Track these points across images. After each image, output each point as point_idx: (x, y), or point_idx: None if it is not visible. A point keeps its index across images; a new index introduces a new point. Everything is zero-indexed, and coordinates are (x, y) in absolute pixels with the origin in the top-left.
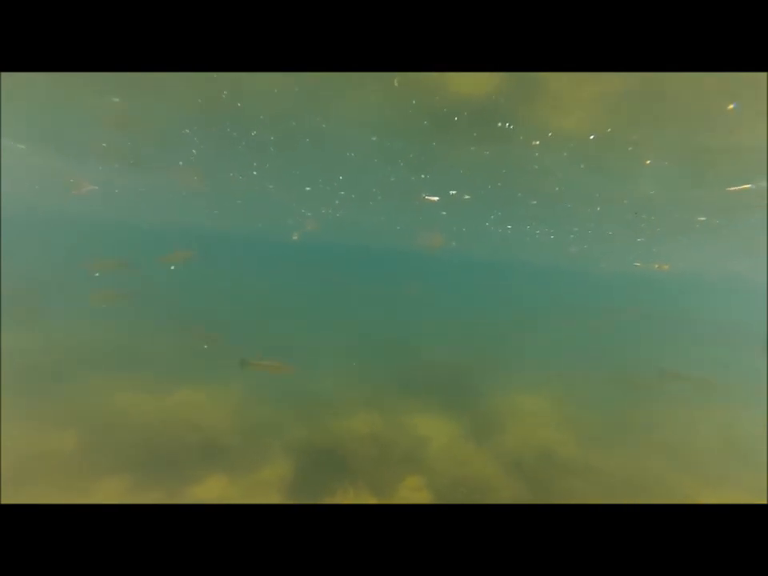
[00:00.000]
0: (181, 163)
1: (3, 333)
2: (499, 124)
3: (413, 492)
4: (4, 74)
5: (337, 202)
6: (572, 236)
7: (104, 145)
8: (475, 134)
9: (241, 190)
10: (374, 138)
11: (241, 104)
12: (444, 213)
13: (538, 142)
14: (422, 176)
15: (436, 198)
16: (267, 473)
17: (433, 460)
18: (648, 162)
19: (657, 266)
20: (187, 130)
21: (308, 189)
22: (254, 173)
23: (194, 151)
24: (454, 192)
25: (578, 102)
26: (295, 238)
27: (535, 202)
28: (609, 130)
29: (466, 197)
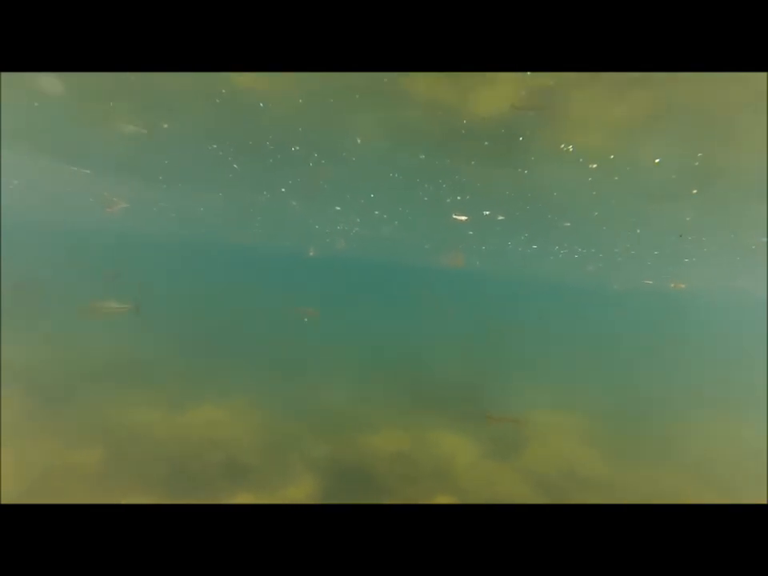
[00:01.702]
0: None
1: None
2: (562, 146)
3: None
4: (4, 74)
5: (358, 220)
6: (601, 255)
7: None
8: (533, 158)
9: (269, 206)
10: (423, 156)
11: (263, 105)
12: (471, 232)
13: (595, 166)
14: (458, 197)
15: (465, 218)
16: (293, 491)
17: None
18: (695, 191)
19: (673, 284)
20: (215, 145)
21: (338, 208)
22: (282, 189)
23: (235, 166)
24: (487, 212)
25: (632, 125)
26: (312, 254)
27: (569, 224)
28: (657, 160)
29: (500, 217)
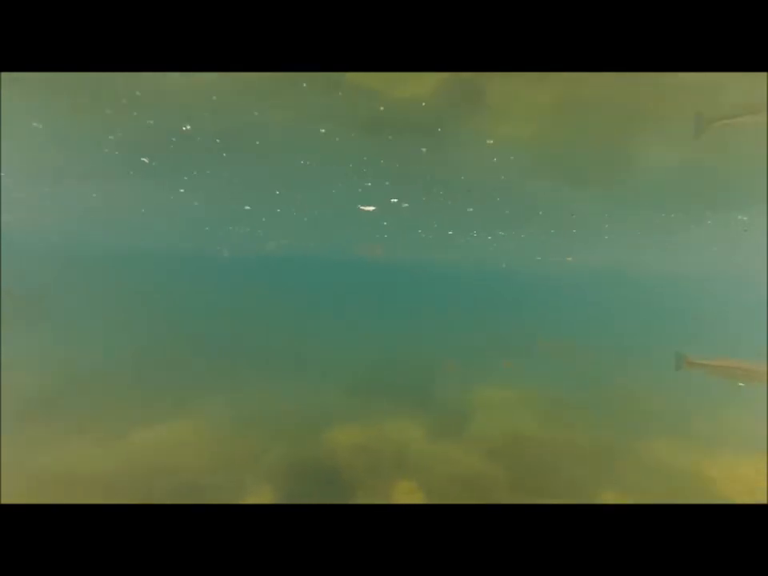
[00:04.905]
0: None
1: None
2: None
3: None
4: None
5: (264, 219)
6: (525, 236)
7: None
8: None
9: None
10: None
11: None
12: (385, 223)
13: (492, 141)
14: (369, 184)
15: (372, 208)
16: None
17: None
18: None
19: (569, 258)
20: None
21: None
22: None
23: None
24: (395, 200)
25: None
26: (226, 254)
27: (471, 210)
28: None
29: (405, 205)
